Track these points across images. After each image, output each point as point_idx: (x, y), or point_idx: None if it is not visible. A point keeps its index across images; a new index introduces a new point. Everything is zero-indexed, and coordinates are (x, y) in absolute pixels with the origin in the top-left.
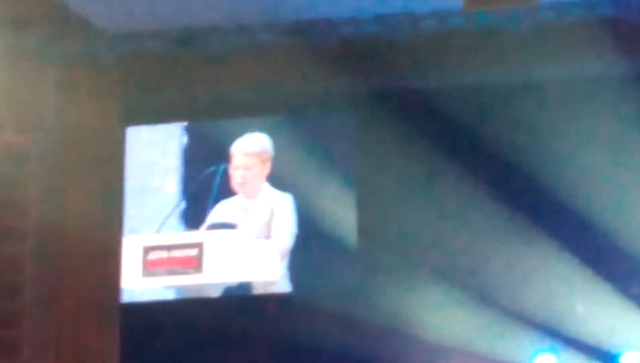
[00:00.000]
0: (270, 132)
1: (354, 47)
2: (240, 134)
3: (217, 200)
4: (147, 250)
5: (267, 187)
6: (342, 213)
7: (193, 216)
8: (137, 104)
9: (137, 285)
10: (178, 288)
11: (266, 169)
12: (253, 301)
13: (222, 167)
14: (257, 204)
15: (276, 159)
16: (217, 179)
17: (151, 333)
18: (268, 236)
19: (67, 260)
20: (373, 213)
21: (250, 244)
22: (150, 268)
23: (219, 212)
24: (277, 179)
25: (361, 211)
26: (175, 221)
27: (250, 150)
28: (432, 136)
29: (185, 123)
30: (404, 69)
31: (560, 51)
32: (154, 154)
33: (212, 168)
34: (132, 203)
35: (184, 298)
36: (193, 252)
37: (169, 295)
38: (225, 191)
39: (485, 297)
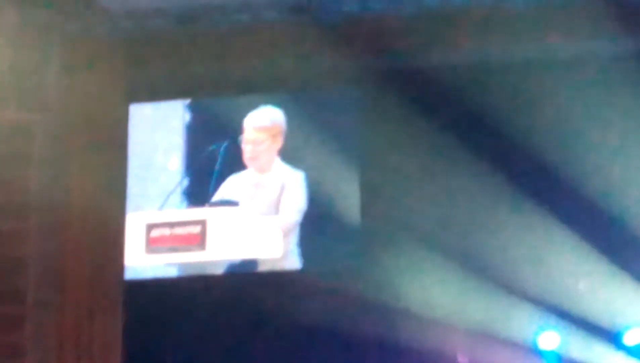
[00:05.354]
0: None
1: (358, 25)
2: (242, 111)
3: (220, 177)
4: (150, 227)
5: (279, 162)
6: (345, 191)
7: (196, 193)
8: (141, 82)
9: (140, 262)
10: (181, 265)
11: (277, 143)
12: (256, 279)
13: (224, 144)
14: (269, 180)
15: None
16: (220, 157)
17: (154, 310)
18: (277, 212)
19: (70, 237)
20: (376, 191)
21: (253, 221)
22: (153, 245)
23: (229, 186)
24: (286, 155)
25: (364, 189)
26: (178, 198)
27: (260, 125)
28: (435, 113)
29: (188, 101)
30: (408, 47)
31: (565, 29)
32: (157, 132)
33: (215, 145)
34: (135, 181)
35: (187, 275)
36: (196, 229)
37: (172, 272)
38: (229, 168)
39: (489, 275)
